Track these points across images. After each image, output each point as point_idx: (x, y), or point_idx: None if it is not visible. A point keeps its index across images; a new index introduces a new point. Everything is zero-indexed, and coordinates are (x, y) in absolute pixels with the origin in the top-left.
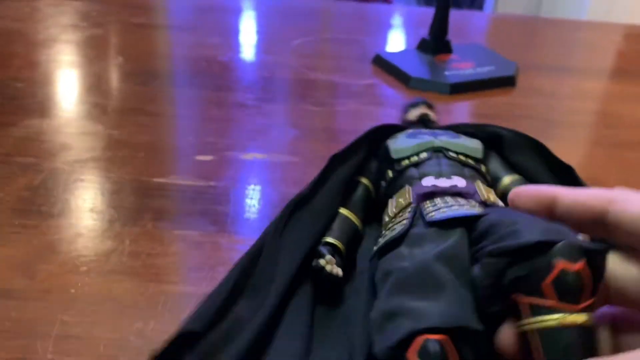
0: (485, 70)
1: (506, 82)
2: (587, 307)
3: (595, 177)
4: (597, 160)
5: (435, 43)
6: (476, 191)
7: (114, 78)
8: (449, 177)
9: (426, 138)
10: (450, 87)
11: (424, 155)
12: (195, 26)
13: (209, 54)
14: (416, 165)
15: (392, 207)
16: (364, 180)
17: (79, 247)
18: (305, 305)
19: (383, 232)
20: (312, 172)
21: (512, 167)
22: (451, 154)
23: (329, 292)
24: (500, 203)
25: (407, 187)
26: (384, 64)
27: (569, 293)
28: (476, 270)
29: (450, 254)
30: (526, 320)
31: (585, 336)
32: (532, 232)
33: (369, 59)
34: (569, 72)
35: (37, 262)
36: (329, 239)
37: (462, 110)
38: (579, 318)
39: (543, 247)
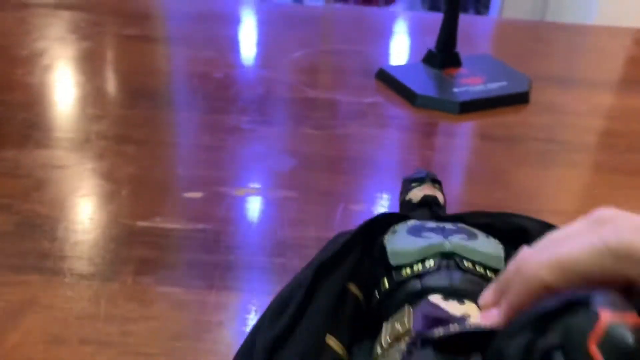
0: (496, 86)
1: (519, 99)
2: None
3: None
4: (619, 189)
5: (442, 55)
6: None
7: (100, 101)
8: (460, 300)
9: (434, 239)
10: (460, 106)
11: (430, 264)
12: (189, 37)
13: (203, 70)
14: (419, 276)
15: (386, 334)
16: (353, 289)
17: (51, 312)
18: None
19: None
20: (311, 210)
21: None
22: (466, 263)
23: None
24: None
25: (408, 309)
26: (388, 79)
27: (624, 348)
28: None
29: None
30: None
31: None
32: (557, 299)
33: (372, 73)
34: (580, 84)
35: (1, 330)
36: None
37: (472, 131)
38: None
39: (579, 303)
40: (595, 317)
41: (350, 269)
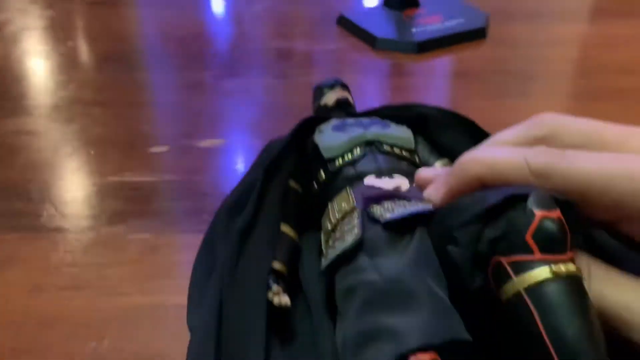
0: (453, 24)
1: (476, 35)
2: (572, 257)
3: None
4: (577, 115)
5: None
6: (421, 193)
7: (67, 67)
8: (390, 176)
9: (356, 131)
10: (417, 46)
11: (357, 151)
12: (151, 0)
13: (167, 29)
14: (352, 163)
15: (333, 212)
16: (293, 185)
17: (29, 265)
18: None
19: (328, 241)
20: None
21: (441, 150)
22: (385, 147)
23: (282, 325)
24: None
25: (348, 189)
26: (349, 25)
27: (554, 243)
28: (452, 249)
29: (420, 259)
30: (512, 281)
31: (579, 287)
32: (498, 194)
33: (333, 20)
34: (544, 18)
35: None
36: (273, 265)
37: (430, 69)
38: (570, 267)
39: (515, 203)
40: (531, 214)
41: (290, 169)
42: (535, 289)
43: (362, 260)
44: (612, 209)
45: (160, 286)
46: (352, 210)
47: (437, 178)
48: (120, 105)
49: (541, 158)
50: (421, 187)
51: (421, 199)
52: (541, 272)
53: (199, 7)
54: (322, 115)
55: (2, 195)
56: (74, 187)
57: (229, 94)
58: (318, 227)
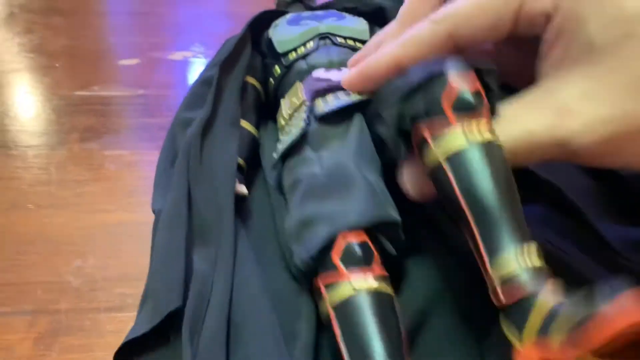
0: None
1: None
2: (488, 122)
3: None
4: None
5: None
6: None
7: None
8: (339, 68)
9: (310, 24)
10: None
11: (310, 45)
12: None
13: None
14: (304, 57)
15: (285, 108)
16: (251, 81)
17: (2, 182)
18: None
19: (280, 136)
20: None
21: None
22: (339, 39)
23: (241, 213)
24: None
25: (298, 84)
26: None
27: (465, 105)
28: (379, 128)
29: (359, 147)
30: (432, 150)
31: (492, 151)
32: (416, 71)
33: None
34: None
35: None
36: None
37: None
38: (485, 133)
39: (434, 78)
40: (445, 80)
41: (246, 65)
42: (455, 156)
43: (308, 153)
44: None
45: (141, 203)
46: (301, 105)
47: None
48: (82, 14)
49: (448, 18)
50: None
51: None
52: (456, 139)
53: None
54: (280, 9)
55: None
56: (40, 102)
57: (198, 3)
58: (275, 123)
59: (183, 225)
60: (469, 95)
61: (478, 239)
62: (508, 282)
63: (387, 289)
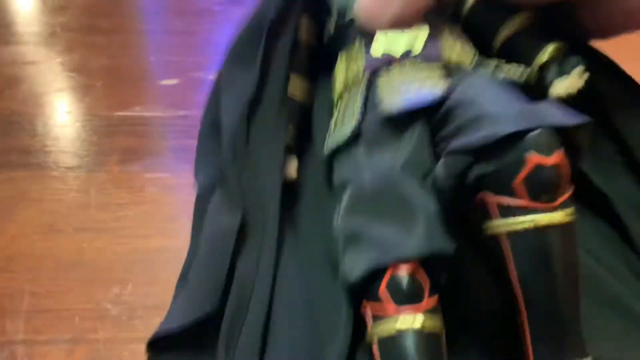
0: None
1: None
2: (564, 202)
3: None
4: None
5: None
6: (439, 53)
7: None
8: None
9: None
10: None
11: None
12: None
13: None
14: None
15: (341, 71)
16: (303, 35)
17: (42, 204)
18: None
19: (334, 118)
20: None
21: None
22: None
23: (289, 201)
24: (466, 62)
25: (358, 44)
26: None
27: (543, 191)
28: (438, 169)
29: (414, 160)
30: (495, 222)
31: (565, 235)
32: (498, 118)
33: None
34: None
35: None
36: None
37: None
38: (555, 217)
39: (512, 138)
40: (523, 158)
41: (296, 21)
42: (518, 236)
43: (359, 151)
44: None
45: (182, 228)
46: (359, 77)
47: None
48: (122, 33)
49: None
50: None
51: (436, 58)
52: (527, 221)
53: None
54: None
55: (7, 129)
56: (81, 123)
57: (235, 22)
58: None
59: (233, 222)
60: (547, 175)
61: (528, 339)
62: None
63: (436, 324)
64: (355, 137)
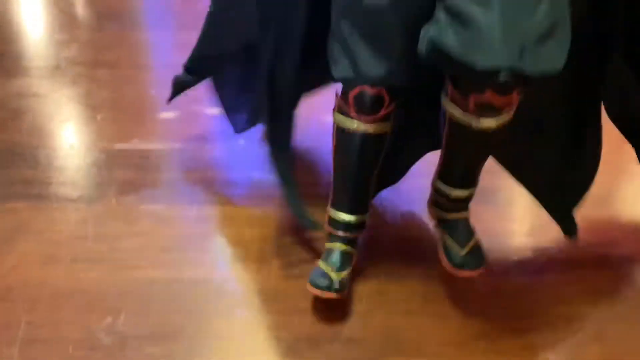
0: None
1: None
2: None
3: None
4: None
5: None
6: None
7: (68, 25)
8: None
9: None
10: None
11: None
12: None
13: None
14: None
15: None
16: None
17: (41, 235)
18: None
19: None
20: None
21: None
22: None
23: None
24: None
25: None
26: None
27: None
28: (421, 48)
29: (405, 4)
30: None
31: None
32: (481, 45)
33: None
34: None
35: None
36: None
37: None
38: None
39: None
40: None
41: None
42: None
43: None
44: None
45: (174, 260)
46: None
47: None
48: (125, 67)
49: None
50: None
51: None
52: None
53: None
54: None
55: (10, 160)
56: (82, 154)
57: None
58: None
59: None
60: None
61: None
62: None
63: (384, 128)
64: None
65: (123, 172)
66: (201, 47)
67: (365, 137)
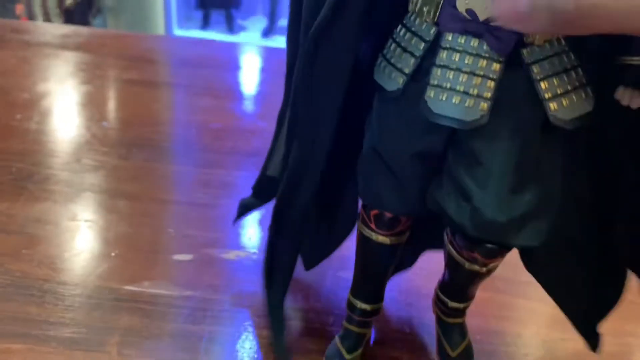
0: None
1: None
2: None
3: None
4: None
5: None
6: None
7: (97, 150)
8: None
9: None
10: None
11: None
12: (189, 83)
13: (201, 119)
14: None
15: (413, 3)
16: None
17: None
18: None
19: (390, 47)
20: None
21: None
22: None
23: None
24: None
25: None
26: None
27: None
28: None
29: (427, 153)
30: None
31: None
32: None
33: None
34: None
35: None
36: None
37: None
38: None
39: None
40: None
41: None
42: None
43: (389, 109)
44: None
45: None
46: (427, 31)
47: None
48: (146, 200)
49: None
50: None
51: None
52: None
53: (235, 98)
54: None
55: (16, 294)
56: (90, 293)
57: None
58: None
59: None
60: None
61: None
62: None
63: (400, 240)
64: (395, 96)
65: (128, 318)
66: (265, 168)
67: (383, 246)
